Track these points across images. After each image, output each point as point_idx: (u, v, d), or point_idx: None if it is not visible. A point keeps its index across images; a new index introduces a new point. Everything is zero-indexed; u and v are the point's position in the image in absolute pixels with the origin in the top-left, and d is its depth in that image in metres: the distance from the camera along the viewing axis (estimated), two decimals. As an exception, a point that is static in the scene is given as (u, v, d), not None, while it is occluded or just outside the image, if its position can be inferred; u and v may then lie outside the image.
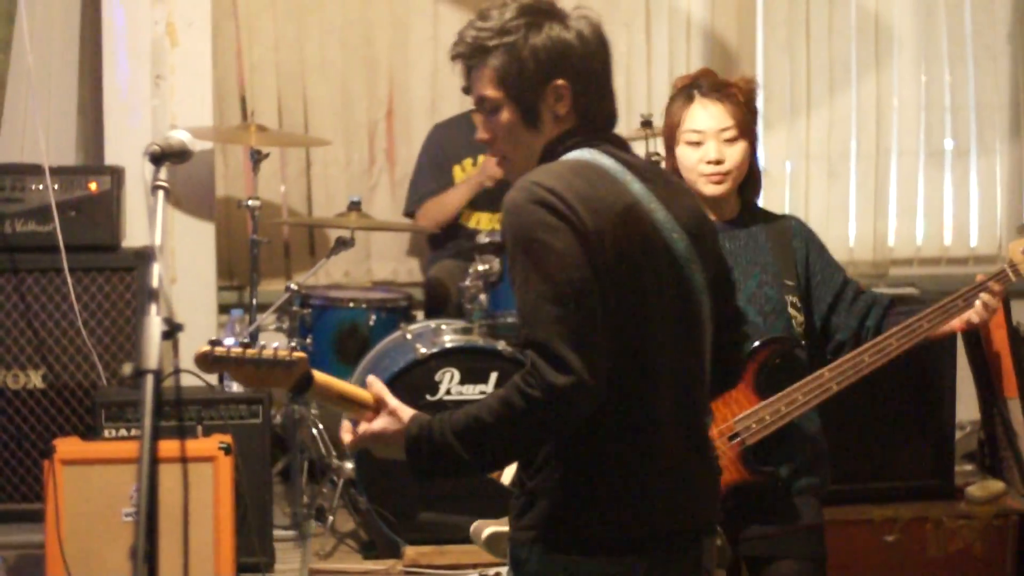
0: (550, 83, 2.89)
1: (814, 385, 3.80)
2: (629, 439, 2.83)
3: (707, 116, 3.85)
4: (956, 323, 3.83)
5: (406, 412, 2.86)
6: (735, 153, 3.86)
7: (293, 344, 2.89)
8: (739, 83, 3.92)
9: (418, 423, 2.81)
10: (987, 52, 7.54)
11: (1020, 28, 7.52)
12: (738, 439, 3.82)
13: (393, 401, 2.88)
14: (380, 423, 2.87)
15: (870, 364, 3.81)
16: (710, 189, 3.87)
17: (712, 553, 3.01)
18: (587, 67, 2.92)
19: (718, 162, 3.84)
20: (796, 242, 3.96)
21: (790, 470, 3.88)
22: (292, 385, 2.87)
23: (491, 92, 2.93)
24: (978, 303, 3.79)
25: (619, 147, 2.96)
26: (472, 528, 3.27)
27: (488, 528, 3.37)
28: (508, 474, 3.05)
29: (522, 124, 2.92)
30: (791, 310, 3.89)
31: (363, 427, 2.88)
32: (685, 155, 3.88)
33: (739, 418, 3.82)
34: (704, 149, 3.85)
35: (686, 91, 3.91)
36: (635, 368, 2.82)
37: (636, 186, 2.87)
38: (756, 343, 3.82)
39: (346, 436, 2.92)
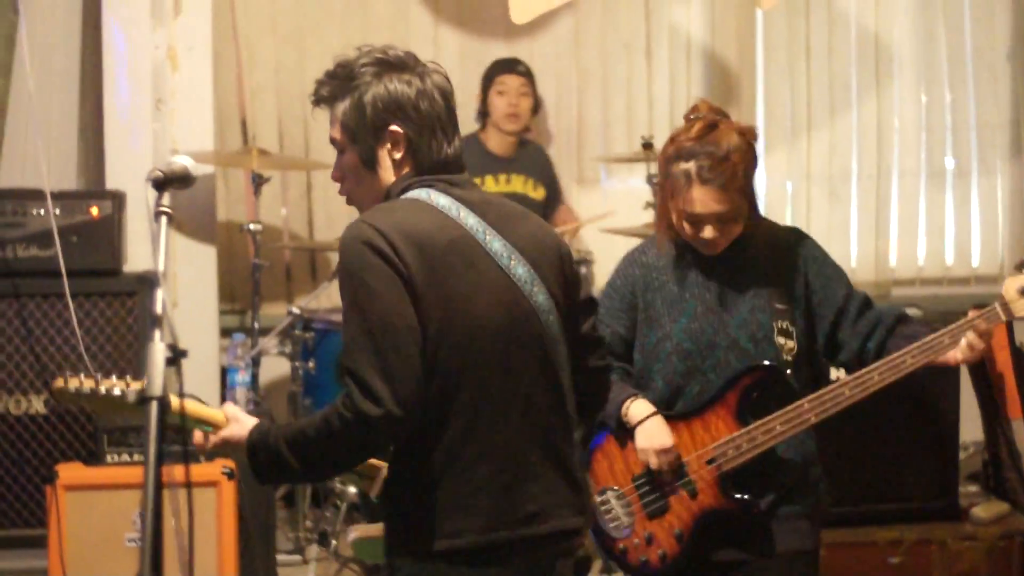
0: (386, 129, 3.15)
1: (792, 415, 3.82)
2: (462, 456, 3.06)
3: (704, 204, 3.80)
4: (941, 360, 3.80)
5: (250, 421, 3.14)
6: (732, 228, 3.87)
7: (128, 378, 3.13)
8: (738, 151, 3.82)
9: (258, 430, 3.10)
10: (987, 71, 7.55)
11: (1020, 47, 7.54)
12: (715, 464, 3.87)
13: (240, 413, 3.17)
14: (227, 430, 3.14)
15: (850, 397, 3.80)
16: (708, 252, 3.92)
17: (565, 564, 3.23)
18: (423, 115, 3.15)
19: (716, 240, 3.87)
20: (796, 261, 3.94)
21: (772, 497, 3.89)
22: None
23: (337, 135, 3.26)
24: (963, 342, 3.76)
25: (459, 186, 3.18)
26: (346, 533, 3.38)
27: (356, 531, 3.48)
28: (376, 488, 3.24)
29: (362, 166, 3.21)
30: (779, 337, 3.88)
31: (214, 435, 3.16)
32: (685, 228, 3.88)
33: (717, 444, 3.87)
34: (703, 229, 3.85)
35: (685, 168, 3.83)
36: (464, 390, 3.05)
37: (470, 220, 3.13)
38: (738, 370, 3.86)
39: (198, 438, 3.18)
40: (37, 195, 5.79)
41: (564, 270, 3.26)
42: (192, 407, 3.15)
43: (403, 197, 3.15)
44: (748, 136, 3.88)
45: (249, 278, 6.38)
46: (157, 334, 2.43)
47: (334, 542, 5.71)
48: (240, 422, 3.14)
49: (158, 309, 2.44)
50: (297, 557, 5.79)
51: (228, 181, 7.15)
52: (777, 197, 7.55)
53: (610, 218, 6.82)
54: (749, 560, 3.91)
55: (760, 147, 7.54)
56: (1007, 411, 5.63)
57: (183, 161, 2.86)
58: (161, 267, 2.52)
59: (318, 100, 3.29)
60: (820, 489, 3.97)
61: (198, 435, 3.17)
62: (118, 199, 5.94)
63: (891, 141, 7.53)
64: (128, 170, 6.08)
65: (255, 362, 6.01)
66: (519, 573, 3.12)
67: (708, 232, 3.84)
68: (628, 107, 7.41)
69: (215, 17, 6.46)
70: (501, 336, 3.09)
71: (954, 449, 5.55)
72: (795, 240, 4.00)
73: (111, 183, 6.16)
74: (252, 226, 6.22)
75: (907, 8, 7.57)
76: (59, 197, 5.84)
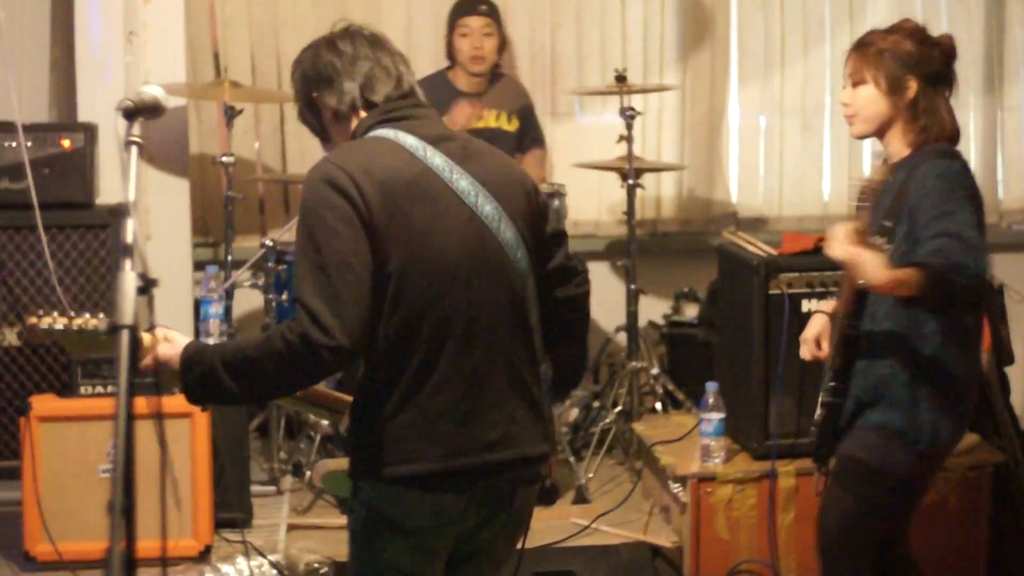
0: (312, 99, 3.36)
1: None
2: (423, 385, 3.15)
3: (845, 63, 4.19)
4: None
5: (183, 339, 3.16)
6: (857, 98, 4.13)
7: (102, 315, 3.16)
8: (903, 34, 4.13)
9: (195, 348, 3.13)
10: (961, 6, 7.53)
11: (994, -18, 7.53)
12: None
13: (174, 333, 3.19)
14: (161, 349, 3.14)
15: None
16: (850, 128, 4.21)
17: (527, 492, 3.33)
18: (330, 71, 3.33)
19: (846, 105, 4.16)
20: (911, 186, 4.00)
21: (853, 404, 4.10)
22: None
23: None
24: None
25: (418, 119, 3.30)
26: (315, 467, 3.42)
27: (326, 466, 3.53)
28: (346, 421, 3.29)
29: (320, 136, 3.42)
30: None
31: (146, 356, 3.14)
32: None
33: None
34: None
35: None
36: (426, 323, 3.13)
37: (437, 160, 3.22)
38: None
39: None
40: (9, 127, 5.77)
41: (531, 205, 3.34)
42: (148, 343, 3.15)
43: (369, 136, 3.27)
44: (915, 35, 4.14)
45: (222, 211, 6.37)
46: (128, 263, 2.43)
47: (308, 473, 5.74)
48: (172, 341, 3.15)
49: (129, 238, 2.44)
50: (271, 488, 5.80)
51: (200, 113, 7.12)
52: (750, 131, 7.55)
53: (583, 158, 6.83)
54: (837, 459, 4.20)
55: (733, 81, 7.58)
56: (977, 344, 5.67)
57: (154, 91, 2.84)
58: (132, 196, 2.52)
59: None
60: (906, 413, 4.03)
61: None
62: (90, 131, 5.92)
63: (864, 75, 7.52)
64: (100, 102, 6.06)
65: (228, 294, 6.01)
66: (476, 499, 3.21)
67: (844, 93, 4.17)
68: (602, 41, 7.39)
69: (187, -52, 6.43)
70: (464, 271, 3.17)
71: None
72: (923, 169, 4.03)
73: (83, 116, 6.14)
74: (225, 158, 6.20)
75: (881, -58, 7.55)
76: (31, 129, 5.82)
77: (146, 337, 3.12)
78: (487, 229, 3.22)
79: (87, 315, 3.20)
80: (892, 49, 4.08)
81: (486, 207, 3.22)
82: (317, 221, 3.07)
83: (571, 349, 3.53)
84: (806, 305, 5.28)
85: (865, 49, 4.11)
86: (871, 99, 4.09)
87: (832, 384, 4.13)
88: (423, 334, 3.14)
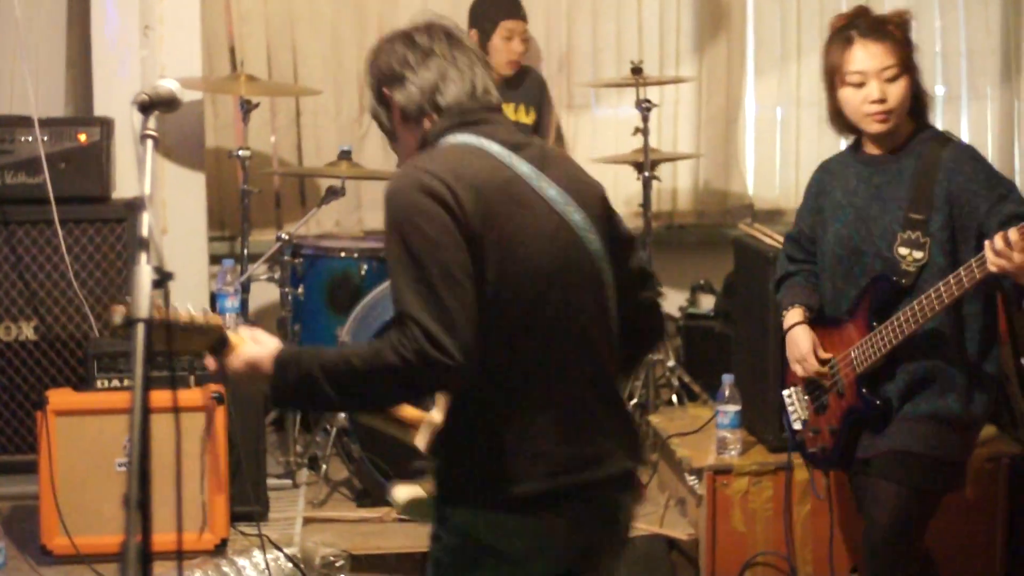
0: (382, 95, 3.16)
1: (901, 319, 3.96)
2: (525, 402, 2.99)
3: (868, 57, 3.98)
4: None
5: (271, 340, 3.02)
6: (897, 91, 3.99)
7: (204, 308, 3.03)
8: (894, 19, 4.05)
9: (289, 351, 2.97)
10: (978, -3, 7.53)
11: (1010, -27, 7.51)
12: (851, 367, 4.11)
13: (259, 332, 3.05)
14: (248, 349, 3.01)
15: (936, 305, 3.87)
16: (875, 128, 4.03)
17: (629, 507, 3.18)
18: (402, 67, 3.13)
19: (881, 101, 3.98)
20: (941, 175, 3.97)
21: (899, 395, 4.07)
22: (208, 348, 3.04)
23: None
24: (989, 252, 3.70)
25: (503, 131, 3.13)
26: (392, 493, 3.29)
27: (405, 493, 3.38)
28: (422, 439, 3.10)
29: (388, 135, 3.22)
30: (901, 248, 3.98)
31: (232, 354, 3.02)
32: (848, 96, 4.03)
33: (853, 348, 4.11)
34: (867, 90, 3.99)
35: (844, 32, 4.04)
36: (527, 335, 2.98)
37: (523, 167, 3.05)
38: (869, 280, 4.07)
39: (209, 363, 3.07)
40: (25, 122, 5.79)
41: (607, 211, 3.20)
42: (193, 315, 3.03)
43: (449, 142, 3.08)
44: (903, 16, 4.09)
45: (238, 204, 6.38)
46: (143, 256, 2.43)
47: (324, 466, 5.75)
48: (261, 342, 3.02)
49: (144, 231, 2.44)
50: (287, 481, 5.81)
51: (216, 107, 7.13)
52: (767, 122, 7.54)
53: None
54: (875, 457, 4.13)
55: (750, 73, 7.57)
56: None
57: (169, 84, 2.84)
58: (147, 190, 2.52)
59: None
60: (956, 397, 4.04)
61: (208, 358, 3.06)
62: (106, 126, 5.93)
63: (881, 67, 7.50)
64: (116, 97, 6.07)
65: (244, 288, 6.01)
66: (582, 519, 3.04)
67: (874, 90, 3.96)
68: (618, 33, 7.38)
69: (202, -58, 6.43)
70: (559, 281, 3.02)
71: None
72: (949, 155, 4.02)
73: (99, 110, 6.16)
74: (241, 152, 6.21)
75: (898, -67, 7.53)
76: (47, 124, 5.84)
77: (233, 337, 3.01)
78: (578, 238, 3.07)
79: (190, 306, 3.02)
80: (903, 36, 4.02)
81: (575, 216, 3.07)
82: (413, 231, 2.88)
83: (640, 354, 3.49)
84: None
85: (891, 38, 3.99)
86: (907, 91, 4.01)
87: (863, 389, 4.10)
88: (520, 348, 2.98)
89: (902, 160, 4.04)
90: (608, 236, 3.16)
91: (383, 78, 3.15)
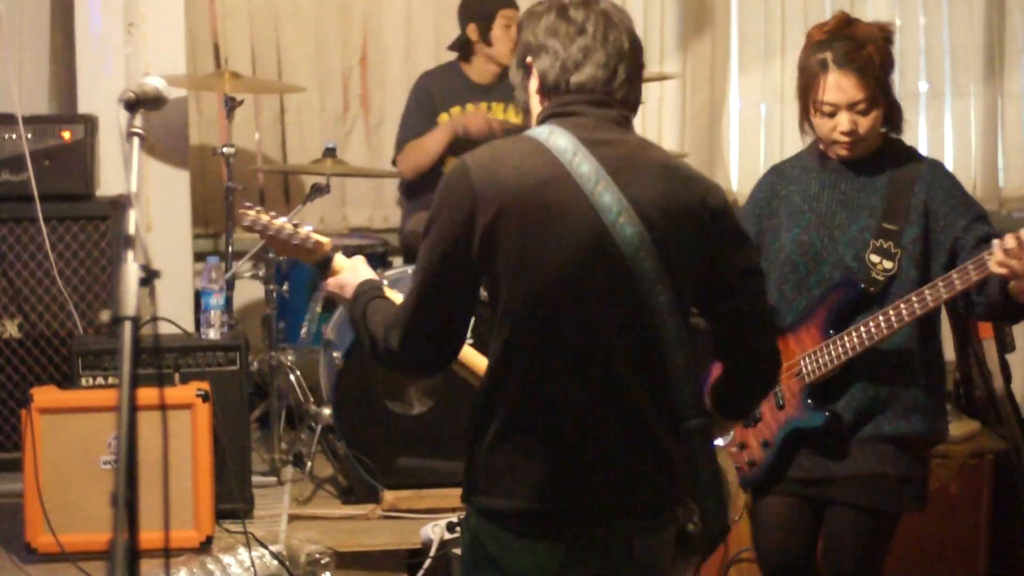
0: (526, 63, 3.08)
1: (864, 331, 3.83)
2: (521, 421, 2.92)
3: (839, 91, 3.86)
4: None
5: (365, 273, 3.27)
6: (868, 122, 3.88)
7: (314, 229, 3.40)
8: (875, 39, 3.90)
9: (363, 287, 3.20)
10: (961, -6, 7.54)
11: (994, -30, 7.52)
12: (799, 377, 3.94)
13: (362, 264, 3.32)
14: (345, 276, 3.29)
15: (918, 309, 3.76)
16: (842, 153, 3.95)
17: (653, 544, 3.00)
18: (547, 40, 3.02)
19: (851, 132, 3.89)
20: (918, 188, 3.91)
21: (853, 415, 3.92)
22: (315, 263, 3.38)
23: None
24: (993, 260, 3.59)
25: (590, 126, 2.98)
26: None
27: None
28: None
29: (523, 107, 3.18)
30: (872, 255, 3.88)
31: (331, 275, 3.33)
32: (819, 123, 3.94)
33: (803, 356, 3.94)
34: (838, 120, 3.89)
35: (819, 54, 3.91)
36: (532, 345, 2.90)
37: (585, 167, 2.89)
38: (828, 287, 3.92)
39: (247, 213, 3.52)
40: (9, 119, 5.77)
41: (705, 235, 2.96)
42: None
43: (524, 133, 3.03)
44: (885, 31, 3.95)
45: (222, 201, 6.36)
46: (130, 255, 2.42)
47: (309, 464, 5.75)
48: (356, 271, 3.27)
49: (131, 229, 2.44)
50: (272, 479, 5.80)
51: (200, 104, 7.12)
52: (751, 119, 7.55)
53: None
54: (824, 478, 3.96)
55: (734, 69, 7.57)
56: (978, 332, 5.67)
57: (155, 82, 2.83)
58: (134, 188, 2.51)
59: None
60: (921, 417, 3.94)
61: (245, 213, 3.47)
62: (90, 123, 5.92)
63: (864, 63, 7.51)
64: (100, 94, 6.05)
65: (229, 285, 6.00)
66: (582, 548, 2.93)
67: (843, 122, 3.87)
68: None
69: (186, -62, 6.42)
70: (579, 296, 2.88)
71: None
72: (926, 170, 3.96)
73: (83, 107, 6.14)
74: (225, 149, 6.19)
75: (881, -70, 7.55)
76: (31, 121, 5.83)
77: (336, 261, 3.33)
78: (619, 254, 2.86)
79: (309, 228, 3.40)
80: (881, 62, 3.88)
81: (626, 229, 2.86)
82: (436, 215, 2.93)
83: (743, 406, 3.30)
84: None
85: (867, 68, 3.85)
86: (878, 121, 3.91)
87: (808, 400, 3.95)
88: (524, 359, 2.89)
89: (874, 174, 3.97)
90: (697, 262, 2.98)
91: (528, 47, 3.06)
